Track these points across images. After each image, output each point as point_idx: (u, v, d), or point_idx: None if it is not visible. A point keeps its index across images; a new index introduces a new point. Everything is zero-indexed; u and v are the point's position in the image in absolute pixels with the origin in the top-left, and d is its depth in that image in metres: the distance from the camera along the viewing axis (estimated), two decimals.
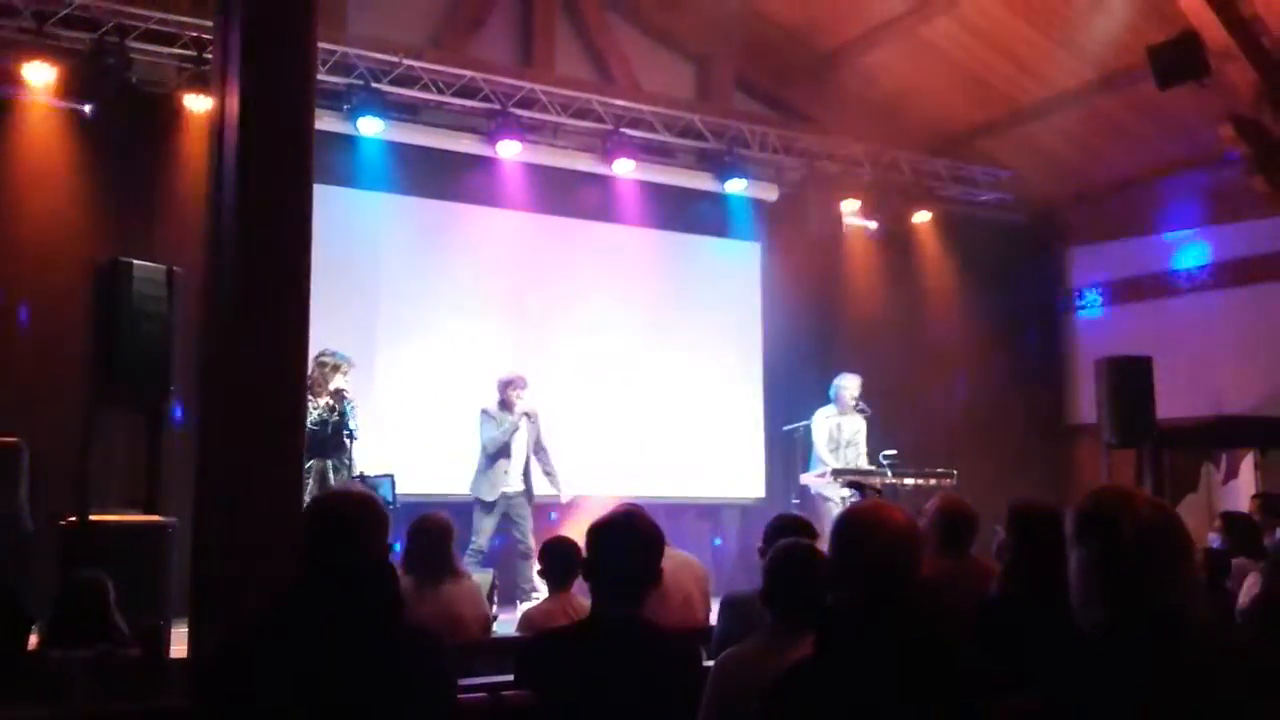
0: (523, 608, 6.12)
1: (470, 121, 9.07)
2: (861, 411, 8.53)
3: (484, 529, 7.57)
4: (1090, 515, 2.04)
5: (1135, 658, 1.92)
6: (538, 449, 7.85)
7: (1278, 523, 6.42)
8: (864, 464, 8.41)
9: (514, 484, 7.67)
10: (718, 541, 10.09)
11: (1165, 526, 2.00)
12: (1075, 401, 10.92)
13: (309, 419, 6.57)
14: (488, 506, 7.61)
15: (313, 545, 2.44)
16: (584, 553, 2.94)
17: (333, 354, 6.99)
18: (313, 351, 5.40)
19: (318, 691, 2.27)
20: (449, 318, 9.14)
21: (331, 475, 6.80)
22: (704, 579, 5.04)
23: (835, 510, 7.68)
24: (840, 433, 8.56)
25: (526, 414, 7.68)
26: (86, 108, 7.52)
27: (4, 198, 7.50)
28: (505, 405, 7.70)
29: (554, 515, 8.55)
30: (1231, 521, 5.86)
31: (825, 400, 8.80)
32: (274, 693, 2.28)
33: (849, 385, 8.59)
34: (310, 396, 6.75)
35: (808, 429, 8.77)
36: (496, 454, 7.64)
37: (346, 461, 6.90)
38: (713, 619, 4.93)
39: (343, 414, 6.86)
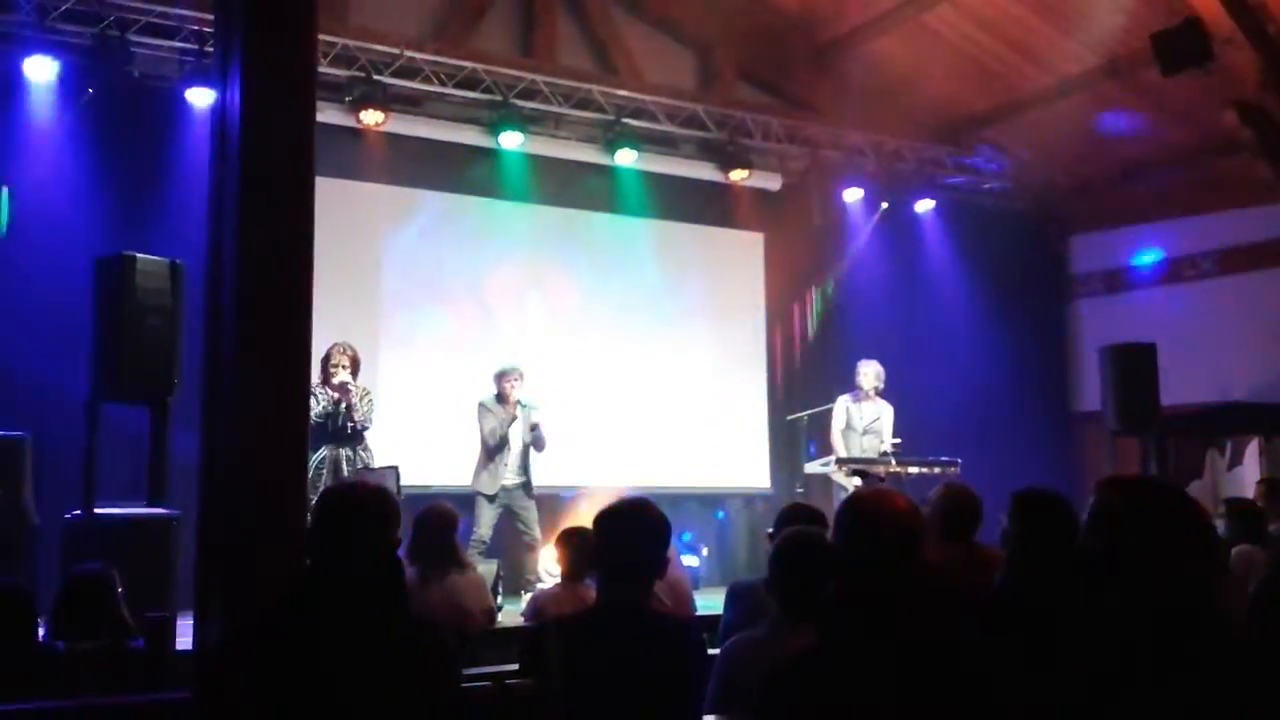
0: (529, 595, 6.14)
1: (472, 113, 9.07)
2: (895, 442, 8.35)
3: (485, 521, 7.57)
4: (1132, 511, 2.05)
5: (1159, 648, 1.93)
6: (537, 444, 7.74)
7: None
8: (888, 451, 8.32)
9: (512, 476, 7.65)
10: (720, 515, 10.05)
11: (1206, 525, 2.02)
12: (1079, 389, 10.91)
13: (314, 411, 6.58)
14: (488, 499, 7.61)
15: (322, 536, 2.44)
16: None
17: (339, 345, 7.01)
18: (316, 344, 5.39)
19: (323, 683, 2.28)
20: (452, 309, 9.15)
21: (345, 466, 6.80)
22: (680, 565, 5.08)
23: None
24: (855, 419, 8.51)
25: (520, 402, 7.65)
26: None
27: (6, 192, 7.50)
28: (501, 397, 7.68)
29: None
30: (1235, 509, 5.84)
31: (830, 388, 8.80)
32: (280, 684, 2.28)
33: (864, 371, 8.53)
34: (322, 387, 6.78)
35: (813, 417, 8.75)
36: (496, 447, 7.63)
37: (362, 453, 6.90)
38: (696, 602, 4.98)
39: (349, 407, 6.85)
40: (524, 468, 7.69)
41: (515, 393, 7.63)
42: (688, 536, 9.10)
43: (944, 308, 10.50)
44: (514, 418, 7.62)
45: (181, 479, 5.55)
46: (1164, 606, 1.97)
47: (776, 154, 10.21)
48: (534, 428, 7.63)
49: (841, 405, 8.54)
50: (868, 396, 8.50)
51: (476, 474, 7.70)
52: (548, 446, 7.80)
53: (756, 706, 2.13)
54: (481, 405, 7.71)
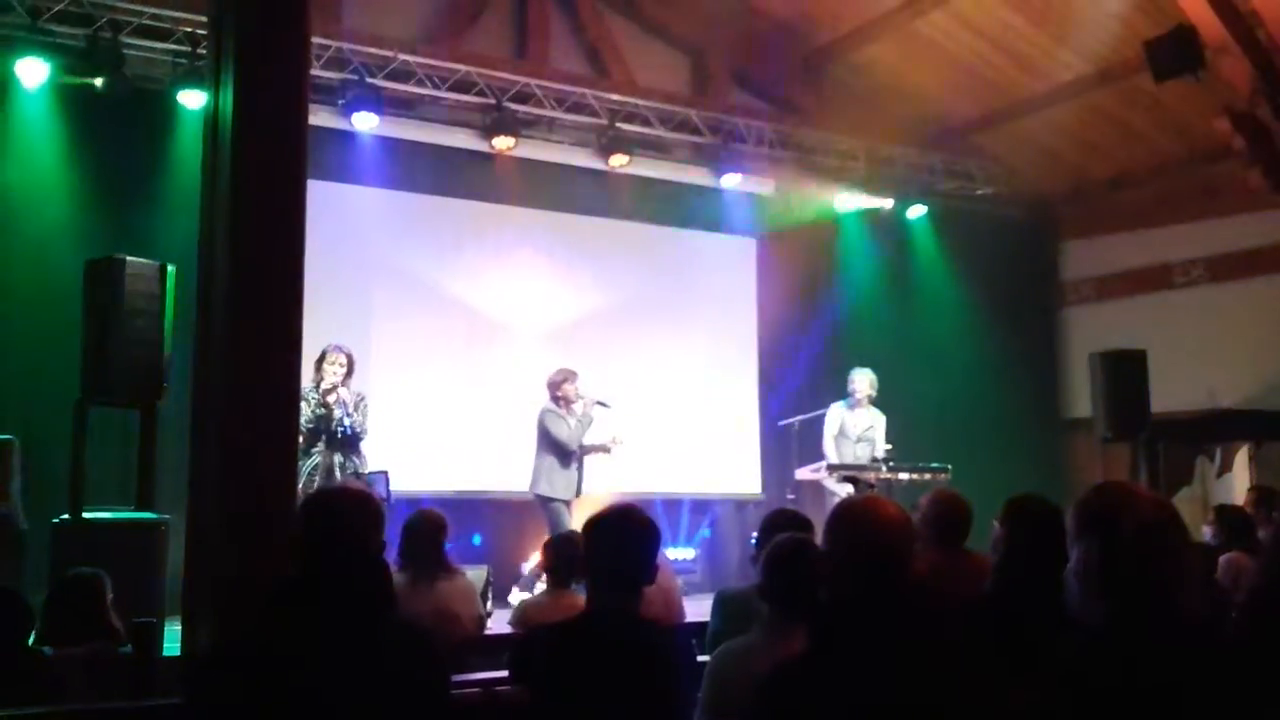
0: (516, 600, 6.14)
1: (465, 116, 9.06)
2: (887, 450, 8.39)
3: (569, 525, 7.52)
4: (1091, 511, 2.05)
5: (1134, 655, 1.93)
6: (583, 448, 7.79)
7: (1272, 516, 6.41)
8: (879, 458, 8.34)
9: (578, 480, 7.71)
10: (706, 533, 10.04)
11: (1166, 524, 2.01)
12: (1070, 395, 10.93)
13: (304, 416, 6.54)
14: (566, 504, 7.55)
15: (307, 542, 2.44)
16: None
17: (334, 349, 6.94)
18: (308, 347, 5.37)
19: (311, 689, 2.28)
20: (444, 313, 9.14)
21: (337, 472, 6.74)
22: (671, 572, 5.09)
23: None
24: (848, 427, 8.52)
25: (601, 403, 7.64)
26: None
27: None
28: (560, 402, 7.67)
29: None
30: (1225, 515, 5.85)
31: (822, 394, 8.81)
32: (268, 690, 2.28)
33: (859, 380, 8.53)
34: (315, 391, 6.72)
35: (805, 423, 8.76)
36: (572, 450, 7.61)
37: (354, 459, 6.84)
38: (687, 609, 4.98)
39: (344, 413, 6.78)
40: (582, 474, 7.73)
41: (579, 395, 7.62)
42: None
43: (935, 314, 10.52)
44: (591, 420, 7.63)
45: (171, 483, 5.55)
46: (1151, 613, 1.97)
47: (769, 159, 10.22)
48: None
49: (835, 412, 8.55)
50: (861, 405, 8.51)
51: (549, 479, 7.62)
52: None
53: (748, 713, 2.13)
54: (549, 411, 7.67)
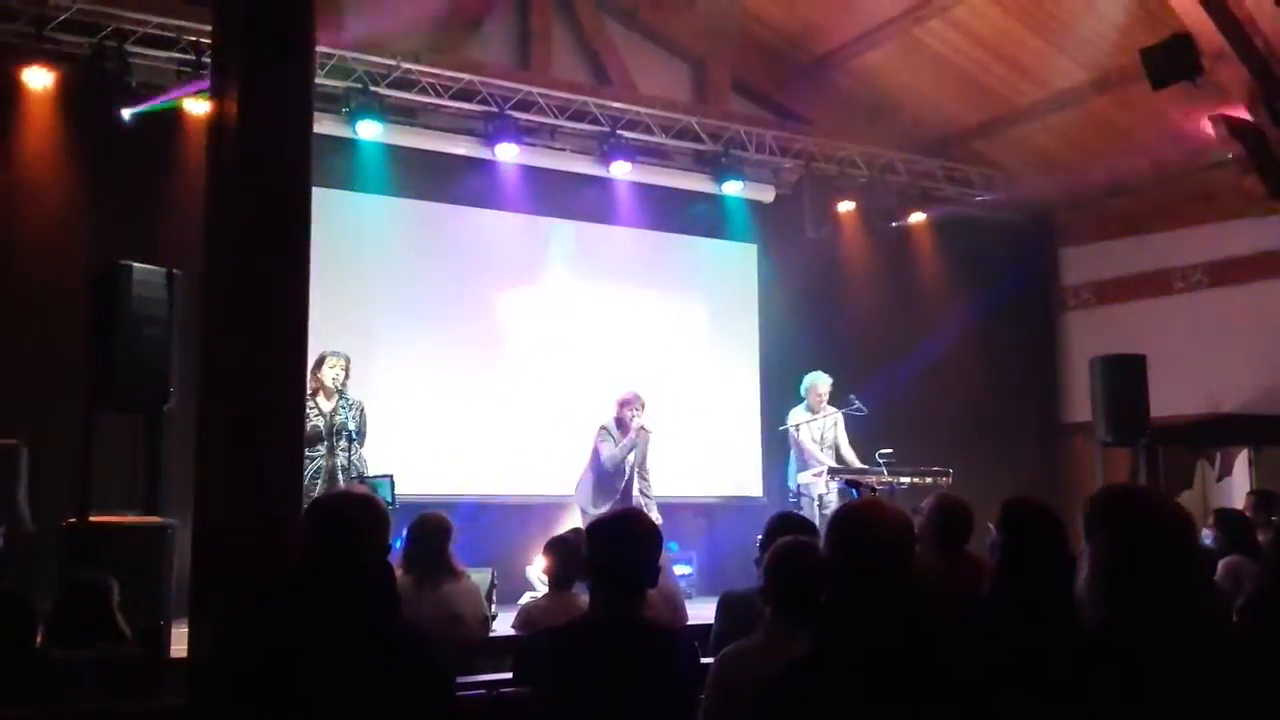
0: (521, 603, 6.16)
1: (468, 124, 9.10)
2: (858, 412, 8.51)
3: None
4: (1105, 513, 2.07)
5: (1141, 657, 1.95)
6: (641, 468, 7.87)
7: (1271, 519, 6.43)
8: (853, 460, 8.42)
9: (619, 500, 7.74)
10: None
11: (1178, 527, 2.03)
12: (1070, 400, 10.96)
13: (310, 421, 6.58)
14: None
15: (312, 546, 2.47)
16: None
17: (332, 354, 7.00)
18: (313, 354, 5.42)
19: (316, 691, 2.30)
20: (447, 319, 9.17)
21: (340, 475, 6.79)
22: (673, 575, 5.13)
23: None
24: (815, 430, 8.61)
25: (643, 427, 7.75)
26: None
27: (4, 201, 7.52)
28: (621, 424, 7.77)
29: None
30: (1224, 519, 5.88)
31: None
32: (273, 692, 2.31)
33: (819, 384, 8.62)
34: (312, 399, 6.75)
35: (803, 427, 8.79)
36: (612, 470, 7.71)
37: (356, 463, 6.88)
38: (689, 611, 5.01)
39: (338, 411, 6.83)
40: (627, 492, 7.80)
41: (637, 420, 7.74)
42: (675, 546, 9.07)
43: (935, 319, 10.55)
44: (634, 445, 7.73)
45: (177, 487, 5.58)
46: (1149, 615, 1.99)
47: (770, 166, 10.26)
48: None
49: (808, 422, 8.62)
50: (820, 409, 8.60)
51: (585, 491, 7.81)
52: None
53: (750, 716, 2.15)
54: (603, 429, 7.82)
